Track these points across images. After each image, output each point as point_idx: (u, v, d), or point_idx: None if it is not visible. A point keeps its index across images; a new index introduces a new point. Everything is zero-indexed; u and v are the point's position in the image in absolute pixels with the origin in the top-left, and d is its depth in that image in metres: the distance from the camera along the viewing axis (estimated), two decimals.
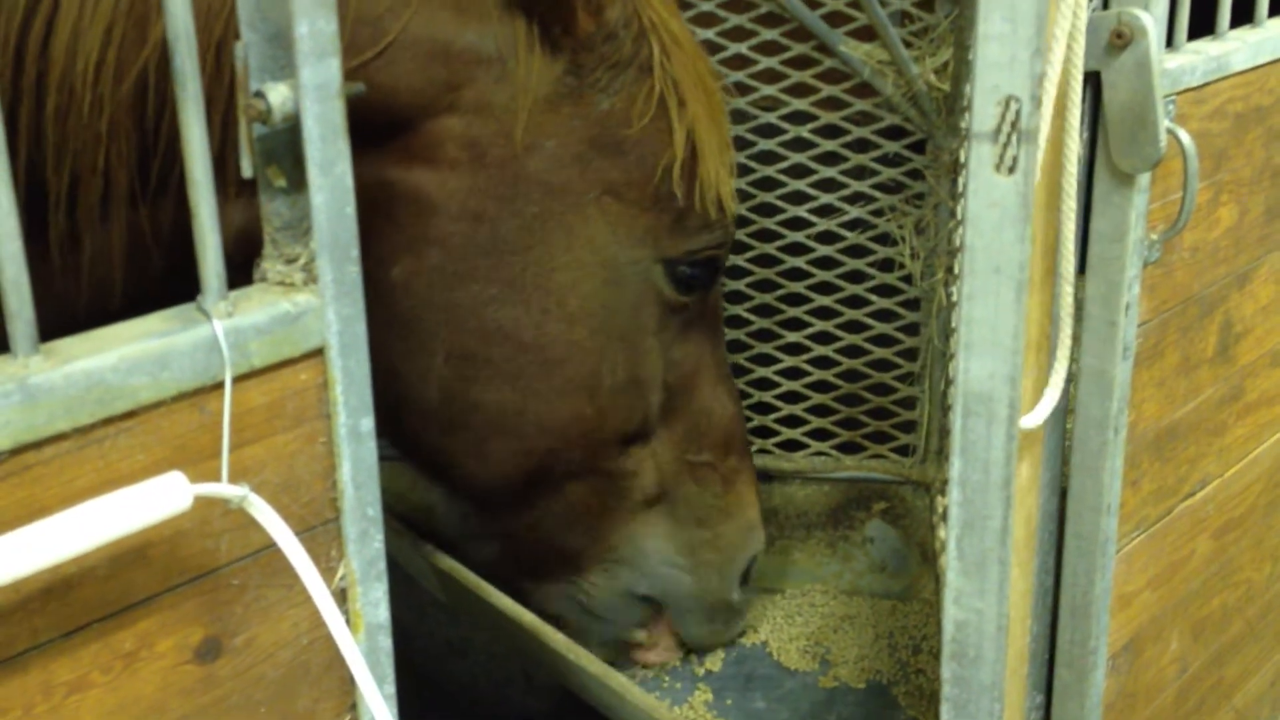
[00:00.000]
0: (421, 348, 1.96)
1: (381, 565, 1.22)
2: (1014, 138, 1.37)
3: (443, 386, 1.98)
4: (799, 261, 2.67)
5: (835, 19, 2.54)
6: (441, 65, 1.82)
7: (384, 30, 1.77)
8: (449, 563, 2.41)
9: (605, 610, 2.33)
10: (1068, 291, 1.66)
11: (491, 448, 2.04)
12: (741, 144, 2.60)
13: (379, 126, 1.82)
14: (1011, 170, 1.38)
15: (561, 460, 2.09)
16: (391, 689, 1.25)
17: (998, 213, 1.42)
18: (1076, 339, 1.76)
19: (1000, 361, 1.48)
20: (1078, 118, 1.59)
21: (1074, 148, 1.60)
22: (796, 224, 2.66)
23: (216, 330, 1.06)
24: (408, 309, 1.93)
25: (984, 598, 1.57)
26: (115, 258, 1.76)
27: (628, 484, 2.19)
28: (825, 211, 2.65)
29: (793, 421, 2.77)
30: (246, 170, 1.10)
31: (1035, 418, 1.68)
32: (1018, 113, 1.36)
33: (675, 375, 2.16)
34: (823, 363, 2.72)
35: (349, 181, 1.11)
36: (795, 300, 2.70)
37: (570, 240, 1.94)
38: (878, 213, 2.63)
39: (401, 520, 2.70)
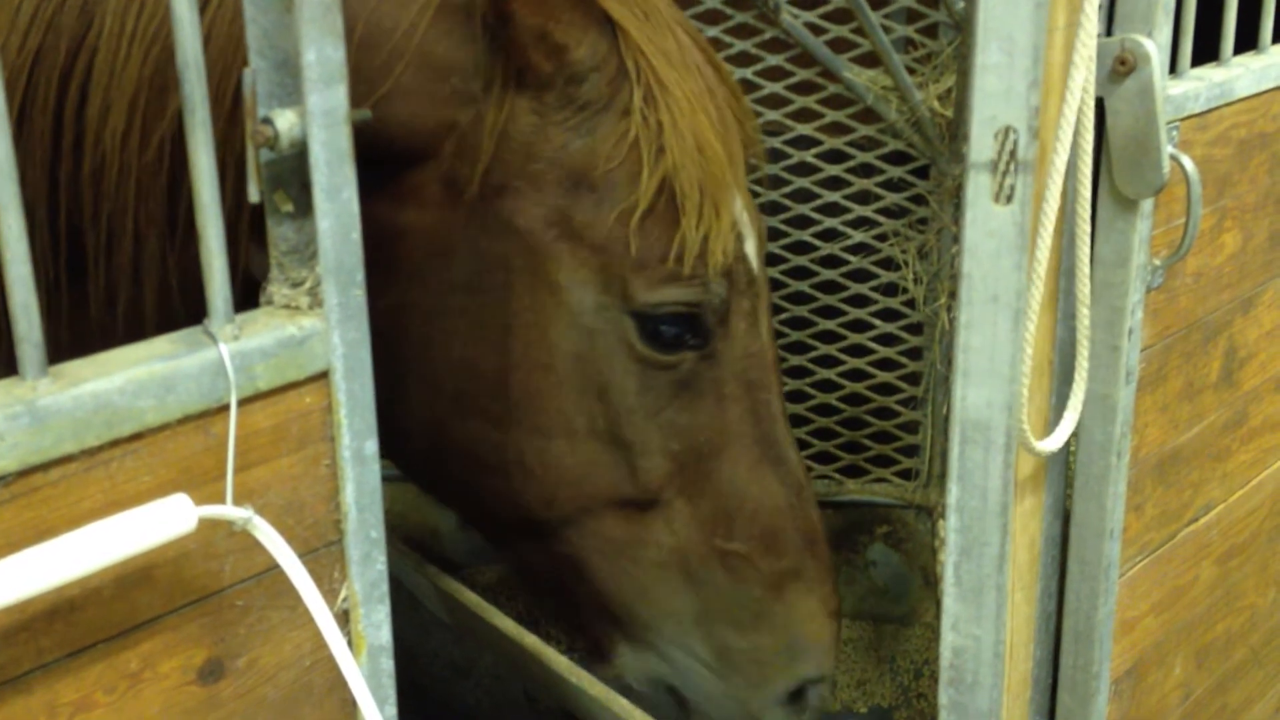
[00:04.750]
0: (401, 381, 1.97)
1: (384, 587, 1.22)
2: (1011, 167, 1.38)
3: (424, 420, 1.98)
4: (802, 285, 2.67)
5: (839, 45, 2.55)
6: (430, 109, 1.83)
7: (378, 82, 1.77)
8: (452, 584, 2.42)
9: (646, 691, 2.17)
10: (1084, 315, 1.66)
11: (474, 484, 2.02)
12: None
13: (374, 171, 1.83)
14: (1009, 200, 1.39)
15: (553, 511, 2.00)
16: (393, 710, 1.26)
17: (995, 242, 1.43)
18: None
19: (998, 390, 1.48)
20: (1090, 142, 1.60)
21: (1086, 173, 1.60)
22: (800, 248, 2.67)
23: (222, 353, 1.07)
24: (392, 343, 1.93)
25: (981, 624, 1.57)
26: (147, 312, 1.79)
27: (640, 554, 2.03)
28: (829, 236, 2.66)
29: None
30: (254, 195, 1.11)
31: (1052, 442, 1.65)
32: (1015, 143, 1.37)
33: (684, 443, 1.99)
34: (826, 386, 2.72)
35: (355, 207, 1.12)
36: (798, 324, 2.70)
37: (533, 281, 1.91)
38: (881, 237, 2.64)
39: (405, 541, 2.71)
